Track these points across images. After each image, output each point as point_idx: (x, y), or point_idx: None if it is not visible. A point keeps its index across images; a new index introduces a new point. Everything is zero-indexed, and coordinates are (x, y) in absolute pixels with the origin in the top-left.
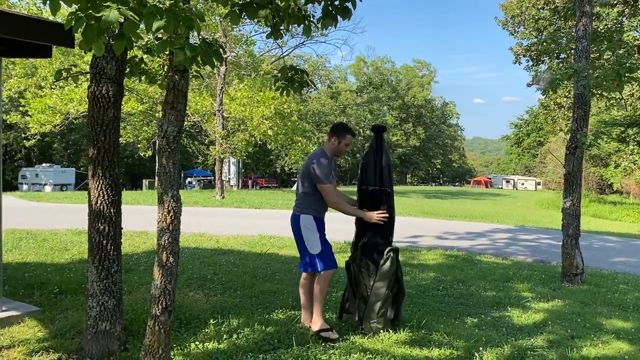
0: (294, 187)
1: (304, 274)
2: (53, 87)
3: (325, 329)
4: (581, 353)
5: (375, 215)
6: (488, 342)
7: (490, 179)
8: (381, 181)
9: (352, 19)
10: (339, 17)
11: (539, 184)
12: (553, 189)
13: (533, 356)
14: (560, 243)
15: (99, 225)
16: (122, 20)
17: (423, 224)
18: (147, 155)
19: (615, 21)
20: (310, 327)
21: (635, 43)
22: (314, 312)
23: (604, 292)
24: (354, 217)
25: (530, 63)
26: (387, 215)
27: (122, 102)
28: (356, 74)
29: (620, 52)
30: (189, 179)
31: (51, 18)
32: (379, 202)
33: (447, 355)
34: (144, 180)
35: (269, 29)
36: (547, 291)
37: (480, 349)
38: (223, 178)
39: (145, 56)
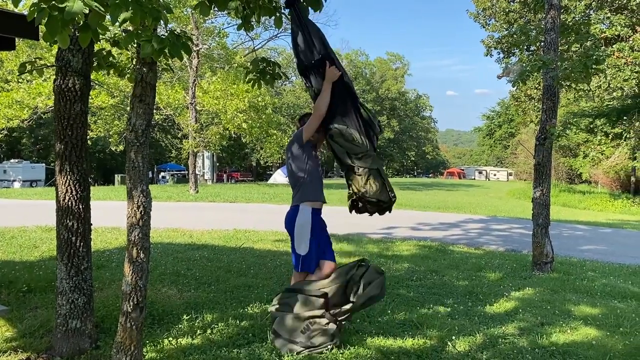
0: (270, 181)
1: (294, 273)
2: (20, 81)
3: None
4: (550, 339)
5: (333, 71)
6: (461, 330)
7: (463, 170)
8: (318, 51)
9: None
10: (310, 8)
11: (510, 174)
12: (524, 180)
13: (504, 343)
14: (531, 232)
15: (68, 221)
16: (87, 12)
17: (397, 215)
18: (118, 150)
19: (583, 14)
20: None
21: (602, 35)
22: None
23: (573, 279)
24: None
25: (502, 55)
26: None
27: (93, 96)
28: None
29: (588, 44)
30: (162, 174)
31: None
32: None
33: (420, 344)
34: (116, 176)
35: (241, 21)
36: (518, 280)
37: (453, 337)
38: (197, 172)
39: (113, 49)
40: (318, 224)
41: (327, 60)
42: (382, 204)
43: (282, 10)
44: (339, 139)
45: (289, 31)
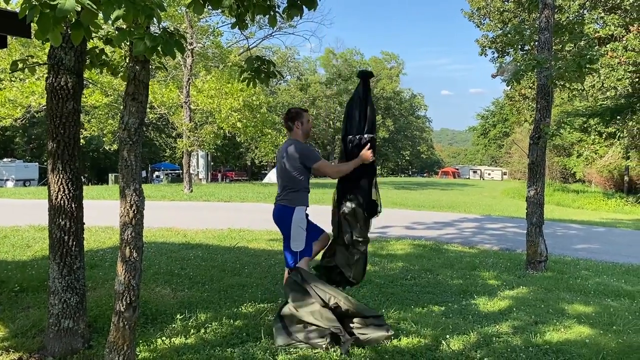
0: (265, 180)
1: (287, 269)
2: (13, 79)
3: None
4: (544, 338)
5: (369, 154)
6: (455, 329)
7: (457, 169)
8: (365, 130)
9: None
10: (304, 7)
11: (505, 174)
12: (519, 179)
13: (498, 342)
14: (525, 231)
15: (60, 220)
16: (79, 9)
17: (392, 214)
18: (112, 149)
19: (576, 13)
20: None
21: (596, 35)
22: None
23: (567, 278)
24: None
25: (496, 55)
26: (372, 153)
27: (86, 95)
28: (325, 66)
29: (582, 43)
30: (156, 173)
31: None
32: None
33: (415, 343)
34: (109, 175)
35: (235, 19)
36: (512, 278)
37: (447, 336)
38: (191, 171)
39: (106, 47)
40: (309, 223)
41: (371, 143)
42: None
43: (277, 9)
44: (351, 219)
45: (284, 30)
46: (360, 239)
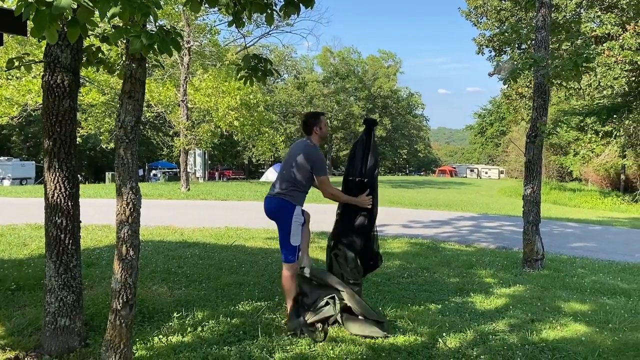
0: (262, 179)
1: (285, 265)
2: (9, 77)
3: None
4: (541, 336)
5: (367, 200)
6: (451, 327)
7: (454, 168)
8: (366, 174)
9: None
10: (301, 5)
11: (502, 172)
12: (516, 177)
13: (495, 340)
14: (522, 230)
15: (57, 218)
16: (76, 7)
17: (389, 213)
18: (109, 148)
19: (573, 12)
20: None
21: (593, 34)
22: (289, 310)
23: (563, 276)
24: (336, 209)
25: (493, 53)
26: (371, 199)
27: (83, 94)
28: (323, 65)
29: (578, 42)
30: (153, 172)
31: (2, 4)
32: (363, 192)
33: (411, 341)
34: (106, 173)
35: (232, 17)
36: (509, 277)
37: (444, 334)
38: (188, 170)
39: (102, 45)
40: (302, 213)
41: (369, 188)
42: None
43: (274, 7)
44: (342, 261)
45: (281, 28)
46: (351, 281)
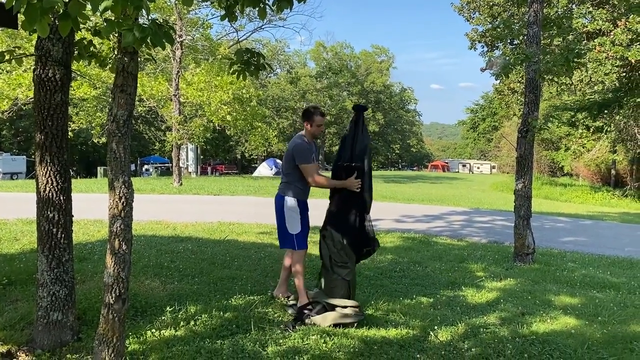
0: (255, 174)
1: (287, 251)
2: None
3: (307, 305)
4: (531, 329)
5: (355, 182)
6: (443, 321)
7: (447, 163)
8: (354, 158)
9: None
10: (294, 0)
11: (494, 167)
12: (507, 172)
13: (486, 333)
14: (513, 224)
15: (48, 213)
16: (67, 0)
17: (382, 207)
18: (101, 142)
19: (565, 8)
20: (280, 298)
21: (584, 30)
22: (297, 290)
23: (554, 270)
24: (329, 197)
25: (485, 49)
26: (360, 183)
27: (75, 88)
28: (316, 59)
29: (570, 38)
30: (145, 166)
31: None
32: (351, 176)
33: (403, 334)
34: (98, 168)
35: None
36: (500, 271)
37: (435, 327)
38: (181, 165)
39: (94, 38)
40: (304, 210)
41: (357, 172)
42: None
43: (266, 1)
44: (329, 242)
45: (274, 23)
46: (339, 263)
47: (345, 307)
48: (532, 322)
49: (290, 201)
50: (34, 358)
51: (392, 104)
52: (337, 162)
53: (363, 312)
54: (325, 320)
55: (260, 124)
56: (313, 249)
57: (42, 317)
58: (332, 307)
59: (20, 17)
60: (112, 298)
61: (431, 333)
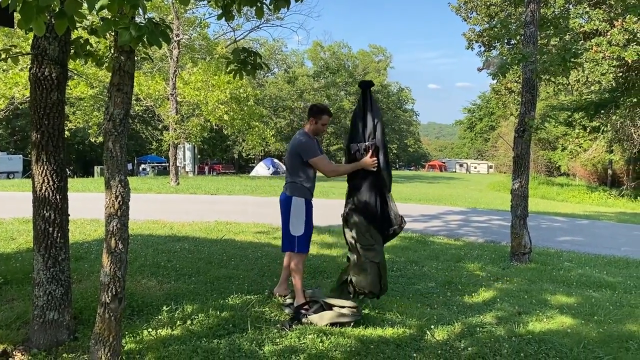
0: (252, 173)
1: (287, 253)
2: None
3: (304, 305)
4: (527, 328)
5: (370, 161)
6: (439, 320)
7: (444, 163)
8: (367, 136)
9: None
10: None
11: (491, 167)
12: (504, 172)
13: (482, 332)
14: (510, 224)
15: (45, 212)
16: None
17: None
18: (98, 142)
19: (562, 8)
20: (278, 297)
21: (581, 30)
22: (295, 290)
23: (550, 269)
24: (347, 180)
25: (483, 49)
26: (376, 161)
27: (72, 87)
28: (313, 59)
29: (567, 38)
30: (142, 166)
31: None
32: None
33: (400, 333)
34: (95, 167)
35: (222, 11)
36: (497, 270)
37: (432, 327)
38: (178, 164)
39: (90, 37)
40: (310, 211)
41: (372, 150)
42: (370, 294)
43: (264, 0)
44: (353, 226)
45: (271, 22)
46: (365, 246)
47: (342, 307)
48: (529, 321)
49: (297, 201)
50: (30, 357)
51: (390, 104)
52: (349, 143)
53: (361, 312)
54: (322, 319)
55: (257, 123)
56: (313, 249)
57: (38, 317)
58: (330, 307)
59: (17, 16)
60: (108, 297)
61: (428, 332)
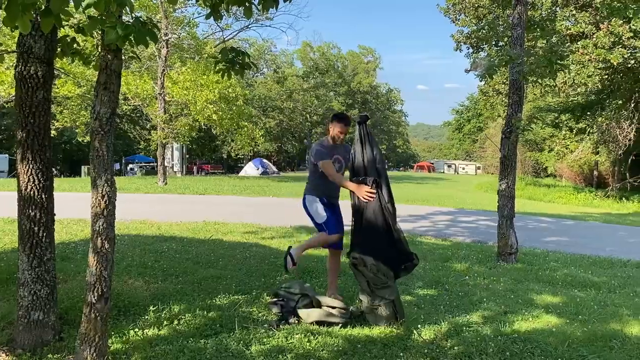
0: (241, 173)
1: (330, 253)
2: None
3: (294, 259)
4: (513, 327)
5: (364, 191)
6: (426, 319)
7: (432, 163)
8: (369, 170)
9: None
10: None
11: (479, 168)
12: (492, 173)
13: (468, 331)
14: (497, 224)
15: (30, 211)
16: None
17: None
18: (85, 141)
19: (549, 10)
20: (334, 298)
21: (568, 32)
22: (303, 243)
23: (536, 269)
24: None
25: (471, 50)
26: (374, 194)
27: (59, 86)
28: (302, 59)
29: (554, 40)
30: (130, 165)
31: None
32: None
33: (387, 333)
34: (82, 167)
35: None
36: (484, 270)
37: (419, 326)
38: (166, 164)
39: (77, 35)
40: (329, 208)
41: (371, 183)
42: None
43: (252, 0)
44: (362, 268)
45: (261, 22)
46: (379, 286)
47: (332, 307)
48: (515, 320)
49: (310, 197)
50: (14, 358)
51: (379, 105)
52: (351, 178)
53: (350, 315)
54: (308, 317)
55: (246, 123)
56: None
57: (23, 317)
58: (319, 304)
59: (2, 13)
60: (94, 297)
61: (415, 332)
